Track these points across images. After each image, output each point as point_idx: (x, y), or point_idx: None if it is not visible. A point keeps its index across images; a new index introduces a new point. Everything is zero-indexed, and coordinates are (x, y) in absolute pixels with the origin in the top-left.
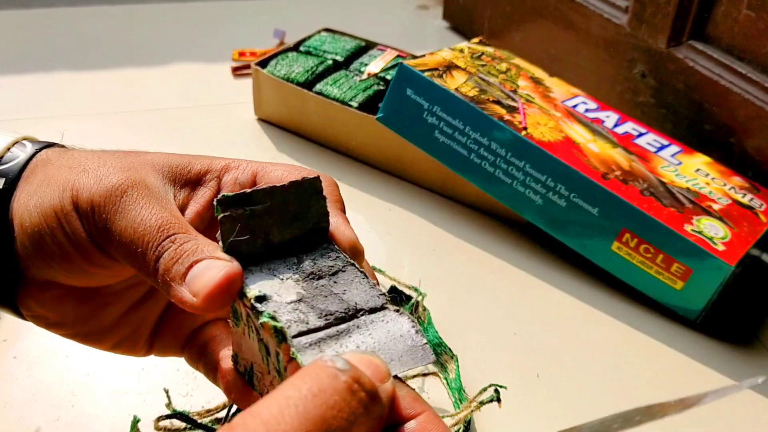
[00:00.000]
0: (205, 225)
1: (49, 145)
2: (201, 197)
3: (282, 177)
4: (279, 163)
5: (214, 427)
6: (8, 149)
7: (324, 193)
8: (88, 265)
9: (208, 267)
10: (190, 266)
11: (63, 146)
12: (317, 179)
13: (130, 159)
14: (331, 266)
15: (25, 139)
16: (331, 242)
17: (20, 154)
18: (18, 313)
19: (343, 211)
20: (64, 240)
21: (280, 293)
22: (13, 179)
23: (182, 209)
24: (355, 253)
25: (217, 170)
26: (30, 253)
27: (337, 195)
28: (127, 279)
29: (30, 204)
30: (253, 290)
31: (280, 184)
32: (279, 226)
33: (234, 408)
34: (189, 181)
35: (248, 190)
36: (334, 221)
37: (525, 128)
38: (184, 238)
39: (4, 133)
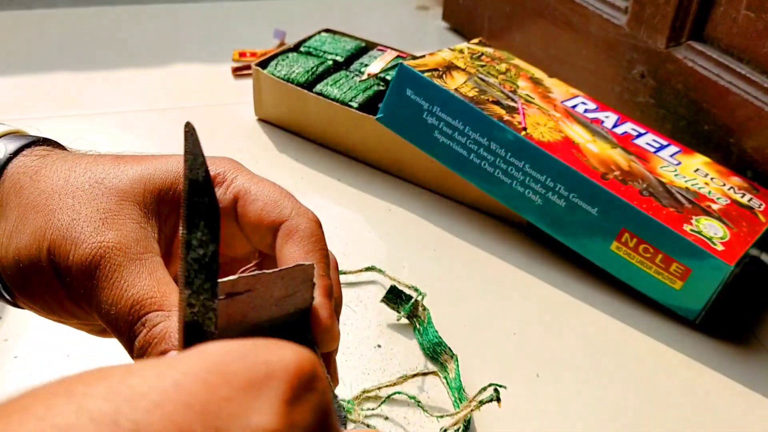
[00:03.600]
0: None
1: (24, 146)
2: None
3: (263, 209)
4: (264, 184)
5: None
6: None
7: (307, 249)
8: (72, 317)
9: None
10: (162, 353)
11: (44, 141)
12: (311, 267)
13: (107, 197)
14: None
15: (3, 135)
16: (308, 329)
17: None
18: (14, 303)
19: (325, 257)
20: (47, 296)
21: None
22: None
23: (171, 234)
24: (329, 338)
25: None
26: (13, 283)
27: (319, 238)
28: None
29: (9, 250)
30: None
31: (270, 271)
32: (257, 309)
33: None
34: (174, 202)
35: (234, 278)
36: (316, 298)
37: (524, 128)
38: (154, 319)
39: None
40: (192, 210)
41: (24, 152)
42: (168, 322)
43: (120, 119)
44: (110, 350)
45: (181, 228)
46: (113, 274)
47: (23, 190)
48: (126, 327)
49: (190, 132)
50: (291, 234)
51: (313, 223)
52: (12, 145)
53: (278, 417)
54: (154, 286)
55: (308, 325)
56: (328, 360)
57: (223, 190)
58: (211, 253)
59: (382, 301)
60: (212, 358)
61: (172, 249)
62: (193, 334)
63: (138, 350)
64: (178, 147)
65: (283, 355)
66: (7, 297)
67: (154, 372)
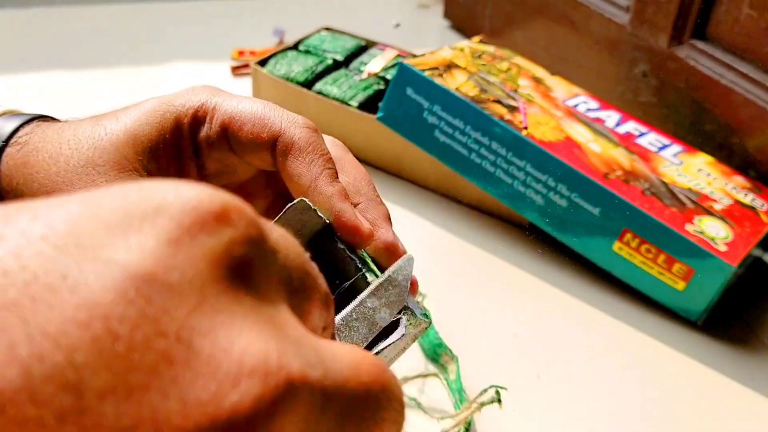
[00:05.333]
0: (196, 169)
1: (23, 123)
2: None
3: (253, 131)
4: (247, 103)
5: None
6: None
7: (308, 159)
8: None
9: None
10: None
11: (42, 117)
12: (300, 201)
13: (104, 178)
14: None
15: (7, 112)
16: (335, 241)
17: None
18: None
19: (327, 162)
20: None
21: None
22: None
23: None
24: (358, 235)
25: (187, 125)
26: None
27: (316, 145)
28: None
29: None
30: None
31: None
32: None
33: None
34: (167, 150)
35: None
36: (332, 205)
37: (526, 128)
38: None
39: None
40: (381, 290)
41: (25, 128)
42: None
43: None
44: None
45: (365, 291)
46: None
47: (18, 186)
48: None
49: (406, 262)
50: (288, 148)
51: (307, 130)
52: (12, 123)
53: (151, 256)
54: None
55: (334, 238)
56: (393, 253)
57: (208, 124)
58: (378, 318)
59: None
60: (92, 197)
61: None
62: None
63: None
64: None
65: (181, 192)
66: None
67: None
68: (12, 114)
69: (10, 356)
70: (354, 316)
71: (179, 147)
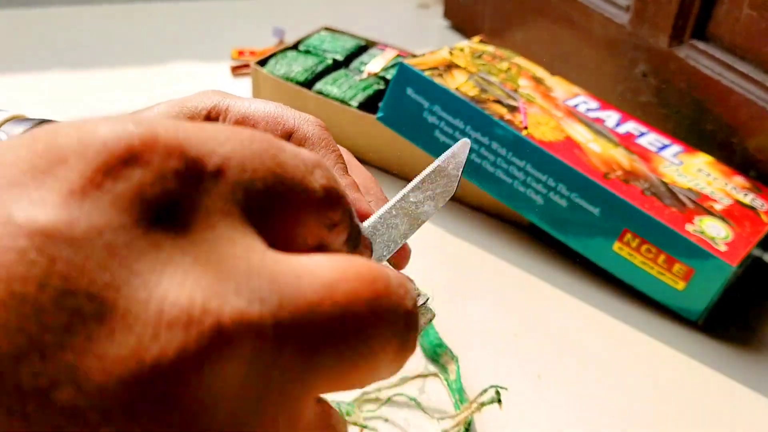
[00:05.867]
0: None
1: (33, 126)
2: None
3: (267, 128)
4: (258, 103)
5: None
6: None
7: (321, 154)
8: None
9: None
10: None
11: (51, 122)
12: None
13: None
14: None
15: (8, 120)
16: None
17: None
18: None
19: (339, 157)
20: None
21: None
22: None
23: None
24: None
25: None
26: None
27: (328, 141)
28: None
29: None
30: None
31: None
32: None
33: None
34: None
35: None
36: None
37: (526, 128)
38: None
39: None
40: (428, 181)
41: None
42: None
43: None
44: None
45: (409, 184)
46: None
47: None
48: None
49: (463, 144)
50: (302, 144)
51: (319, 127)
52: (21, 127)
53: (52, 210)
54: None
55: None
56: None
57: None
58: (421, 213)
59: None
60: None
61: None
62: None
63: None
64: None
65: (84, 137)
66: None
67: None
68: (19, 119)
69: None
70: (394, 213)
71: None
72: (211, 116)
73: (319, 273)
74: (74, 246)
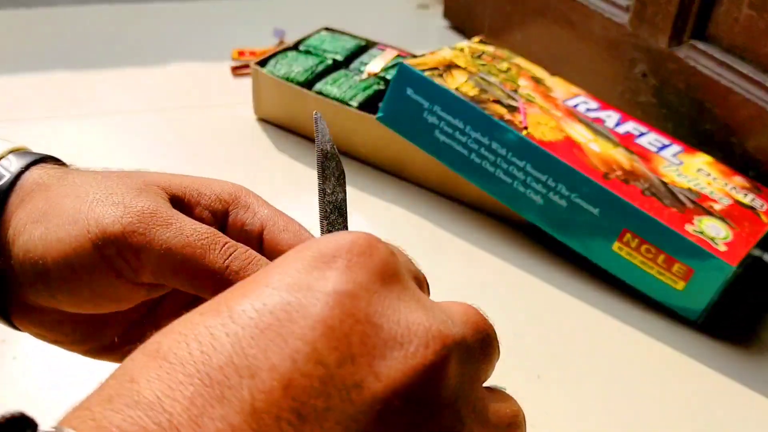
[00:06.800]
0: None
1: (36, 160)
2: (206, 218)
3: (292, 240)
4: (284, 215)
5: None
6: None
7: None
8: (98, 298)
9: None
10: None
11: (54, 160)
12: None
13: (134, 181)
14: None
15: (11, 151)
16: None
17: (5, 173)
18: (13, 326)
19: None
20: (79, 274)
21: None
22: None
23: None
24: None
25: (224, 198)
26: (32, 281)
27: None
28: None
29: (35, 234)
30: None
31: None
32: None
33: None
34: (194, 203)
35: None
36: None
37: (526, 128)
38: (242, 246)
39: None
40: (324, 169)
41: (40, 165)
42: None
43: (119, 119)
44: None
45: (318, 181)
46: (171, 219)
47: (50, 187)
48: (218, 244)
49: (318, 118)
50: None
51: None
52: (24, 160)
53: (338, 280)
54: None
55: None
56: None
57: (250, 216)
58: (341, 199)
59: None
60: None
61: None
62: None
63: (240, 264)
64: (177, 146)
65: (344, 239)
66: (11, 324)
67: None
68: (21, 152)
69: (286, 363)
70: (328, 210)
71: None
72: (239, 204)
73: (454, 311)
74: (353, 296)
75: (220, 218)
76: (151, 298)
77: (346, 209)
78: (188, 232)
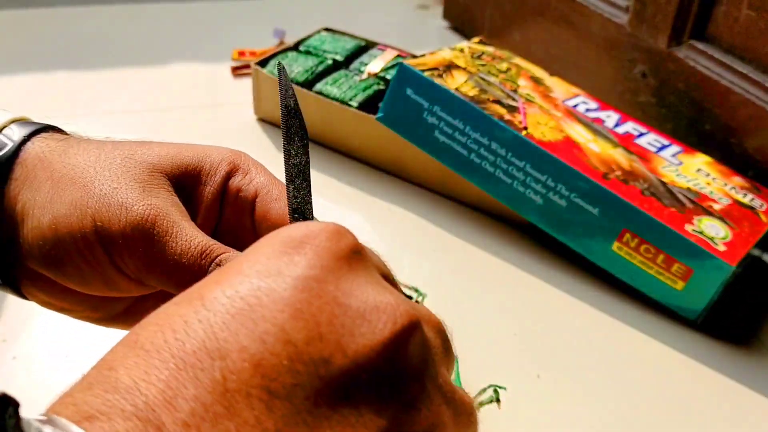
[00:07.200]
0: (213, 220)
1: (38, 129)
2: (207, 195)
3: (282, 215)
4: (281, 184)
5: None
6: None
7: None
8: (104, 285)
9: None
10: None
11: (56, 129)
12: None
13: (139, 169)
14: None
15: (13, 121)
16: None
17: (8, 143)
18: (20, 294)
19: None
20: (85, 266)
21: None
22: (3, 172)
23: (191, 212)
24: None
25: (223, 170)
26: (40, 262)
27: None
28: None
29: (44, 222)
30: None
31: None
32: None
33: None
34: (196, 180)
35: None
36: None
37: (525, 128)
38: (229, 258)
39: None
40: (288, 128)
41: (42, 135)
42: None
43: (119, 119)
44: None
45: (283, 141)
46: (173, 229)
47: (53, 164)
48: (197, 273)
49: (281, 70)
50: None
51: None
52: (25, 129)
53: (306, 264)
54: (211, 238)
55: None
56: None
57: (246, 182)
58: (305, 162)
59: None
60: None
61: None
62: (297, 218)
63: None
64: None
65: (313, 227)
66: (19, 293)
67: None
68: (22, 121)
69: (256, 345)
70: (293, 173)
71: (206, 181)
72: (235, 170)
73: (420, 307)
74: (319, 279)
75: (221, 187)
76: None
77: (309, 173)
78: (180, 253)
